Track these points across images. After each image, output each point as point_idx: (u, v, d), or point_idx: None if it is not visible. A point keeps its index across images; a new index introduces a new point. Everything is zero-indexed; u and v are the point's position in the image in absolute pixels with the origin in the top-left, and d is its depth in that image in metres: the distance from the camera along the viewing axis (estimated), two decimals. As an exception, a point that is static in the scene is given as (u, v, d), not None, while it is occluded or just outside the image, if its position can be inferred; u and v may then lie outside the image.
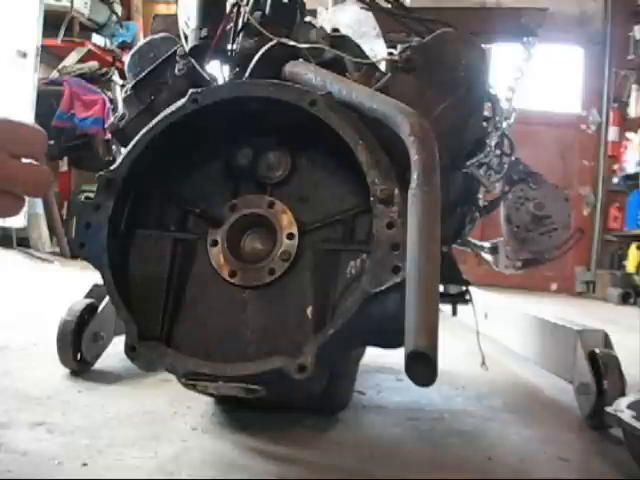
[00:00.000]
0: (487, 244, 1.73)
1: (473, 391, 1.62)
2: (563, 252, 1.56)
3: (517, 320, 2.06)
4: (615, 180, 6.18)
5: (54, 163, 5.11)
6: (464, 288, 1.55)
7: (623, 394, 1.29)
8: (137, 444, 1.06)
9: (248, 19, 1.13)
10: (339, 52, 1.15)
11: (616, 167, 6.17)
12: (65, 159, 5.24)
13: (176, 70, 1.21)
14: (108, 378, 1.47)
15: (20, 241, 4.75)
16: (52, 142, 4.94)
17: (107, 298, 1.43)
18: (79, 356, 1.47)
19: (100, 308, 1.52)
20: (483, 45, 1.17)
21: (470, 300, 1.54)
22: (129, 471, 0.96)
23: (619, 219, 6.15)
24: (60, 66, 5.30)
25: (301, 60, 1.11)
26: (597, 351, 1.38)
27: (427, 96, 1.08)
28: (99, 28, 5.87)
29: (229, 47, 1.16)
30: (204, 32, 1.16)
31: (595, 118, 6.25)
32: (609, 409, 1.15)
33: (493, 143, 1.34)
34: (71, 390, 1.36)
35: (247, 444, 1.11)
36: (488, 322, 2.10)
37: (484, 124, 1.35)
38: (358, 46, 1.23)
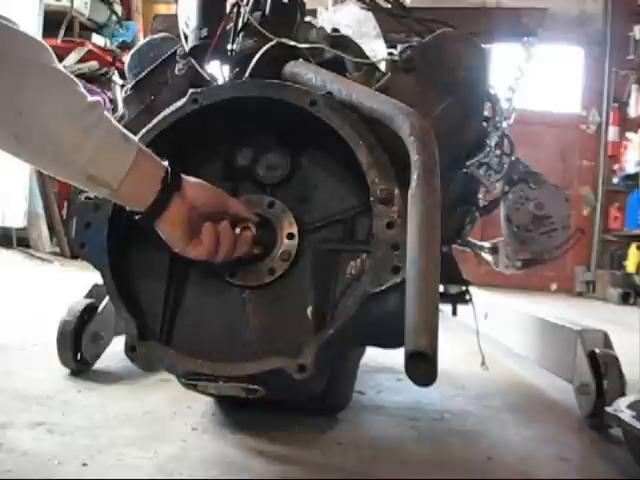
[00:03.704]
0: (487, 244, 1.72)
1: (473, 391, 1.62)
2: (563, 252, 1.56)
3: (517, 320, 2.06)
4: (615, 180, 6.18)
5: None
6: (464, 288, 1.55)
7: (623, 394, 1.28)
8: (137, 444, 1.06)
9: (248, 19, 1.13)
10: (339, 52, 1.15)
11: (616, 167, 6.17)
12: (65, 159, 5.23)
13: (176, 70, 1.21)
14: (108, 378, 1.47)
15: (20, 241, 4.75)
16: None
17: (107, 298, 1.43)
18: (79, 356, 1.47)
19: (100, 308, 1.52)
20: (483, 45, 1.16)
21: (470, 300, 1.54)
22: (129, 471, 0.96)
23: (619, 219, 6.14)
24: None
25: (301, 60, 1.11)
26: (597, 351, 1.38)
27: (427, 96, 1.08)
28: (99, 28, 5.86)
29: (229, 47, 1.16)
30: (204, 32, 1.16)
31: (595, 118, 6.24)
32: (609, 409, 1.15)
33: (493, 143, 1.34)
34: (71, 390, 1.36)
35: (247, 444, 1.11)
36: (488, 322, 2.10)
37: (484, 124, 1.35)
38: (358, 46, 1.23)
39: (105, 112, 0.87)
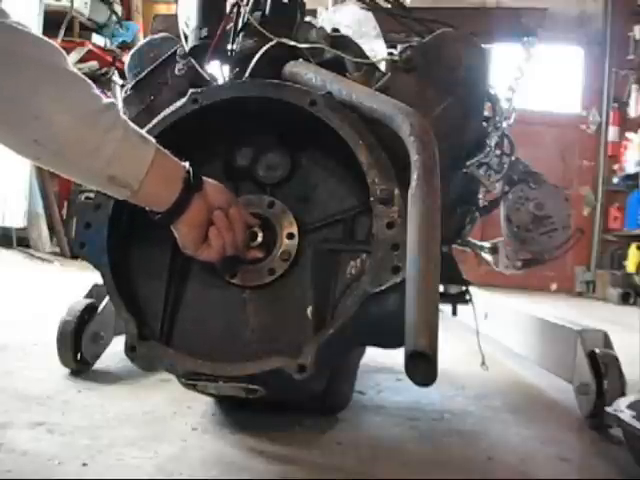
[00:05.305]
0: (487, 244, 1.72)
1: (473, 391, 1.62)
2: (563, 252, 1.56)
3: (517, 320, 2.06)
4: (615, 180, 6.18)
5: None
6: (464, 288, 1.55)
7: (623, 394, 1.28)
8: (137, 444, 1.06)
9: (248, 19, 1.13)
10: (339, 52, 1.15)
11: (616, 167, 6.17)
12: (65, 159, 5.23)
13: (176, 70, 1.21)
14: (108, 378, 1.47)
15: (20, 241, 4.75)
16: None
17: (107, 298, 1.43)
18: (79, 356, 1.47)
19: (100, 308, 1.52)
20: (483, 45, 1.16)
21: (470, 300, 1.54)
22: (129, 471, 0.96)
23: (619, 219, 6.14)
24: (60, 66, 5.29)
25: (301, 60, 1.11)
26: (597, 351, 1.38)
27: (427, 96, 1.08)
28: (99, 28, 5.86)
29: (229, 47, 1.16)
30: (204, 32, 1.16)
31: (595, 118, 6.24)
32: (609, 409, 1.15)
33: (493, 143, 1.34)
34: (71, 390, 1.35)
35: (247, 444, 1.11)
36: (488, 322, 2.10)
37: (484, 124, 1.35)
38: (358, 46, 1.23)
39: (121, 113, 0.87)
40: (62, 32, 5.28)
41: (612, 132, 6.18)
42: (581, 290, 6.05)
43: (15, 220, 4.71)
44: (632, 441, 1.08)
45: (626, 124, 6.12)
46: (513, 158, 1.49)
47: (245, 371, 0.95)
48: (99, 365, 1.53)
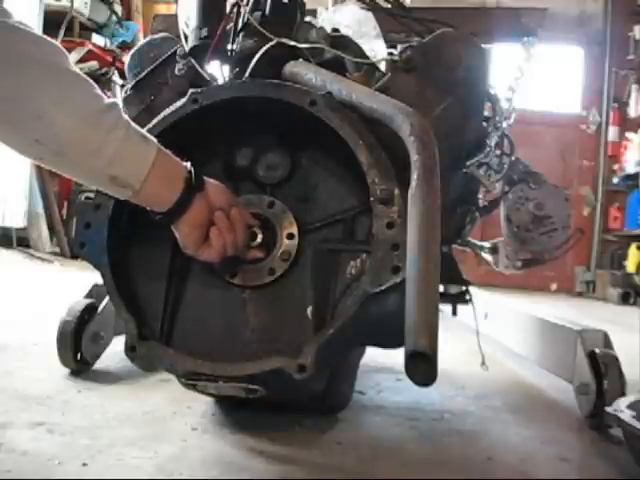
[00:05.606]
0: (487, 244, 1.72)
1: (473, 391, 1.62)
2: (563, 252, 1.56)
3: (517, 320, 2.06)
4: (615, 180, 6.18)
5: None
6: (464, 288, 1.55)
7: (623, 394, 1.28)
8: (137, 444, 1.06)
9: (248, 19, 1.13)
10: (339, 52, 1.15)
11: (616, 167, 6.17)
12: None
13: (176, 70, 1.21)
14: (108, 378, 1.47)
15: (20, 241, 4.75)
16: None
17: (107, 298, 1.43)
18: (79, 356, 1.47)
19: (100, 308, 1.52)
20: (483, 45, 1.16)
21: (470, 300, 1.54)
22: (129, 471, 0.96)
23: (619, 219, 6.14)
24: (60, 66, 5.29)
25: (301, 60, 1.11)
26: (597, 351, 1.38)
27: (427, 96, 1.08)
28: (99, 28, 5.86)
29: (229, 47, 1.16)
30: (204, 32, 1.16)
31: (595, 118, 6.24)
32: (609, 409, 1.15)
33: (493, 143, 1.34)
34: (71, 390, 1.36)
35: (247, 444, 1.11)
36: (488, 322, 2.10)
37: (484, 124, 1.35)
38: (358, 46, 1.23)
39: (123, 113, 0.87)
40: (62, 32, 5.28)
41: (612, 132, 6.18)
42: (581, 290, 6.05)
43: (15, 220, 4.72)
44: (632, 441, 1.08)
45: (626, 124, 6.12)
46: (513, 158, 1.49)
47: (245, 371, 0.95)
48: (99, 365, 1.53)
